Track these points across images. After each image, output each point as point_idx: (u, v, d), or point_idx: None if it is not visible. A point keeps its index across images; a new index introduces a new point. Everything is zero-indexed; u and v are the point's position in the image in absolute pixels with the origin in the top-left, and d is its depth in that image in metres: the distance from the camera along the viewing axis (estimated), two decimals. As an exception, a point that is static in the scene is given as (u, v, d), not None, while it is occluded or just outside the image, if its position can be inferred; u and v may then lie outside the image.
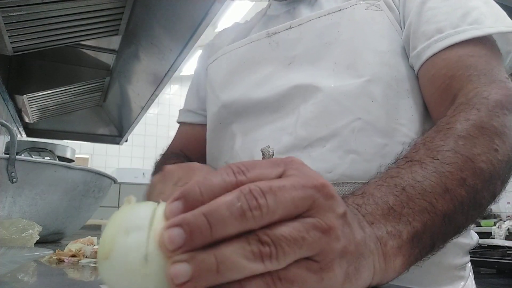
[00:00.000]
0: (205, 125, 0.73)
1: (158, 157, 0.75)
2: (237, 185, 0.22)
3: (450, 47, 0.48)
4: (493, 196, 0.40)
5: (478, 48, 0.48)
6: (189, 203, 0.22)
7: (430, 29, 0.50)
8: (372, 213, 0.31)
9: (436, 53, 0.49)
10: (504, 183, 0.41)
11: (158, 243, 0.21)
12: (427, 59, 0.50)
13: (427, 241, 0.33)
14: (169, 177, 0.45)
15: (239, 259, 0.20)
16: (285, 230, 0.21)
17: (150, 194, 0.47)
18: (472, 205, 0.37)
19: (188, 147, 0.77)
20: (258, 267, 0.21)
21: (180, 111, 0.80)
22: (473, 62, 0.47)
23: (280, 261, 0.21)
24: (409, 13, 0.53)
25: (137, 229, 0.22)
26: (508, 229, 2.77)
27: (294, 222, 0.22)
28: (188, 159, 0.75)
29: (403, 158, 0.39)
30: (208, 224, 0.20)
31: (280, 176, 0.24)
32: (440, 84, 0.49)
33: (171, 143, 0.80)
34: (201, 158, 0.72)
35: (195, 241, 0.20)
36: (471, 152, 0.38)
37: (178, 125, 0.82)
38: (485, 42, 0.49)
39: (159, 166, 0.69)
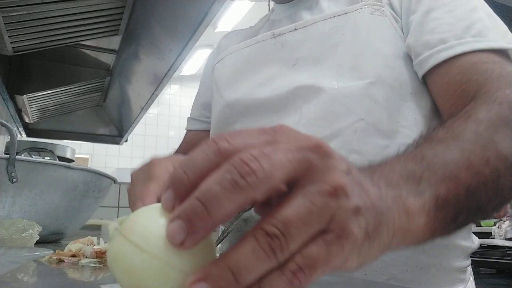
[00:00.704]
0: (209, 131, 0.75)
1: None
2: (220, 154, 0.21)
3: (463, 54, 0.48)
4: None
5: (492, 56, 0.48)
6: (178, 188, 0.21)
7: (433, 39, 0.50)
8: (388, 176, 0.28)
9: (449, 59, 0.49)
10: None
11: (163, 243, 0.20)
12: (432, 67, 0.50)
13: (450, 209, 0.30)
14: (134, 181, 0.40)
15: (253, 263, 0.20)
16: (290, 211, 0.20)
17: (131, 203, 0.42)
18: (495, 189, 0.35)
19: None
20: (272, 263, 0.20)
21: (187, 119, 0.83)
22: (489, 67, 0.47)
23: (291, 247, 0.20)
24: (411, 22, 0.53)
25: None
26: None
27: (296, 198, 0.21)
28: None
29: (421, 138, 0.37)
30: (204, 206, 0.19)
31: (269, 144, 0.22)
32: (455, 90, 0.48)
33: (178, 149, 0.82)
34: None
35: (197, 228, 0.20)
36: (494, 137, 0.36)
37: (178, 125, 0.83)
38: (497, 51, 0.49)
39: None
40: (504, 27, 0.51)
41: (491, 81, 0.45)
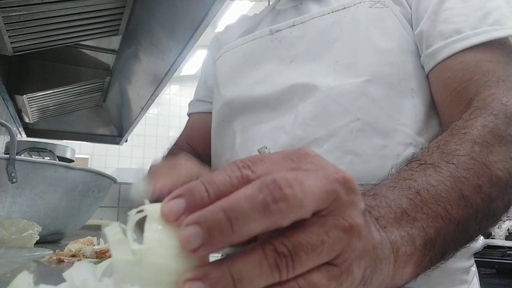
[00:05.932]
0: (211, 112, 0.73)
1: (168, 147, 0.76)
2: (243, 180, 0.20)
3: (469, 49, 0.47)
4: (507, 206, 0.39)
5: (497, 54, 0.47)
6: (194, 201, 0.20)
7: (448, 29, 0.49)
8: (385, 216, 0.29)
9: (453, 55, 0.48)
10: None
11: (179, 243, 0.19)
12: (442, 60, 0.49)
13: (438, 248, 0.31)
14: (154, 174, 0.39)
15: (256, 275, 0.19)
16: (303, 236, 0.20)
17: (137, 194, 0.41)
18: (486, 214, 0.35)
19: (194, 138, 0.77)
20: (274, 279, 0.19)
21: (189, 103, 0.81)
22: (491, 68, 0.46)
23: (296, 270, 0.20)
24: (424, 11, 0.52)
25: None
26: (508, 229, 2.77)
27: (312, 225, 0.20)
28: (193, 150, 0.76)
29: (415, 160, 0.37)
30: (228, 221, 0.18)
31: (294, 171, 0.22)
32: (455, 87, 0.48)
33: (180, 135, 0.80)
34: (207, 148, 0.72)
35: (215, 241, 0.18)
36: (488, 159, 0.37)
37: (178, 125, 0.82)
38: (504, 48, 0.48)
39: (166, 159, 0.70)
40: None
41: (489, 86, 0.45)
